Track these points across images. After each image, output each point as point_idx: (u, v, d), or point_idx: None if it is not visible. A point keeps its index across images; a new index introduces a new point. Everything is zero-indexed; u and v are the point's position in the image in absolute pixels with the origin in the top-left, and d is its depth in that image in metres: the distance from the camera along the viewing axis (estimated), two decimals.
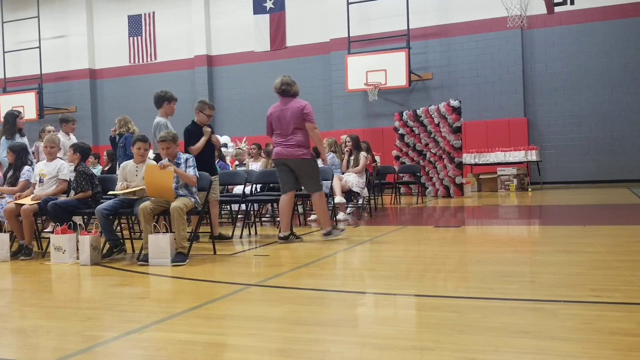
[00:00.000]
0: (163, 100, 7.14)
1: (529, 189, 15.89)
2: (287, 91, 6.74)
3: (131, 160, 6.21)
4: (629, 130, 17.07)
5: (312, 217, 9.29)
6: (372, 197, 10.79)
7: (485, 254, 5.64)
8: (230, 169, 11.51)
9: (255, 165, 10.64)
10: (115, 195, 5.98)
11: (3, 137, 8.13)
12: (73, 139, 8.54)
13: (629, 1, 16.93)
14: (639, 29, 16.86)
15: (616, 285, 3.85)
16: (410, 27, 18.25)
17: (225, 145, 16.42)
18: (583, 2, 16.16)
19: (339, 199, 9.09)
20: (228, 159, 13.57)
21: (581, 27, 17.36)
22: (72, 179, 6.48)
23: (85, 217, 6.54)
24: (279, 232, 6.78)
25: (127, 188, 5.91)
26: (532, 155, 16.11)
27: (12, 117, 8.18)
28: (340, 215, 9.17)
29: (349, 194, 9.71)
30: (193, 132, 7.03)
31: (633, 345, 2.59)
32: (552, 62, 17.72)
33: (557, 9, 13.30)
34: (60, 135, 8.33)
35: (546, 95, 17.81)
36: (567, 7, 13.42)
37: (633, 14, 16.91)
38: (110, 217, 5.95)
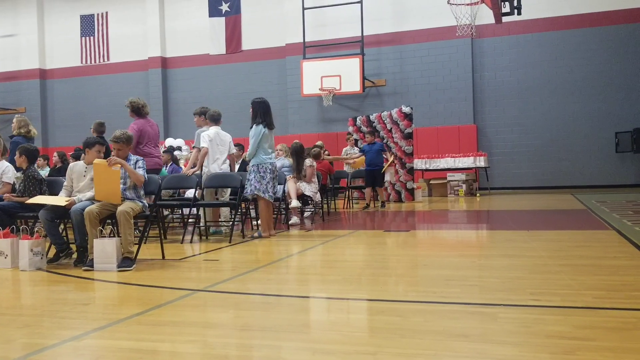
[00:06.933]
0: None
1: (477, 194, 16.22)
2: None
3: (81, 161, 6.07)
4: (573, 137, 17.64)
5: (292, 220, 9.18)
6: (325, 202, 10.86)
7: (432, 258, 5.74)
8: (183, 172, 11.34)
9: None
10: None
11: None
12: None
13: (575, 12, 17.54)
14: (584, 40, 17.49)
15: (555, 289, 3.97)
16: (364, 34, 18.46)
17: (179, 149, 16.22)
18: (530, 13, 16.62)
19: (295, 202, 9.07)
20: (182, 162, 13.39)
21: (529, 37, 17.89)
22: (15, 182, 6.30)
23: (31, 221, 6.36)
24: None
25: (57, 201, 5.72)
26: (481, 162, 16.47)
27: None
28: (293, 220, 9.15)
29: (302, 197, 9.72)
30: None
31: (568, 349, 2.67)
32: (501, 71, 18.18)
33: (504, 19, 13.61)
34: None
35: (494, 102, 18.25)
36: (515, 18, 13.76)
37: (579, 24, 17.51)
38: (56, 221, 5.81)
